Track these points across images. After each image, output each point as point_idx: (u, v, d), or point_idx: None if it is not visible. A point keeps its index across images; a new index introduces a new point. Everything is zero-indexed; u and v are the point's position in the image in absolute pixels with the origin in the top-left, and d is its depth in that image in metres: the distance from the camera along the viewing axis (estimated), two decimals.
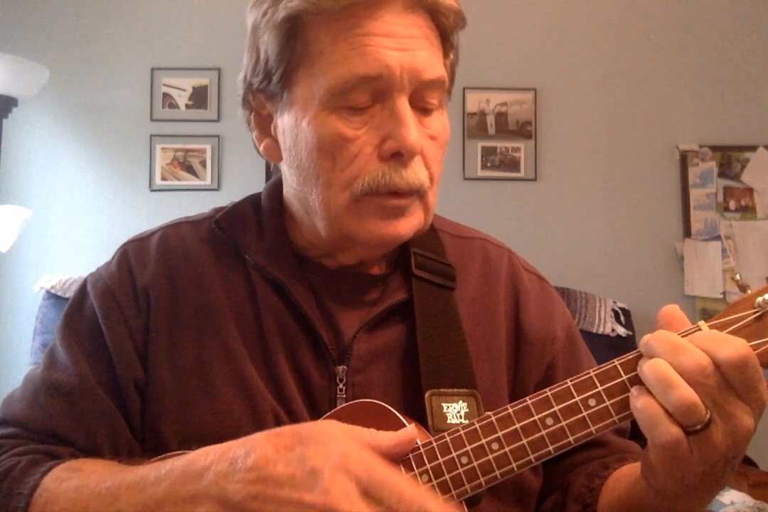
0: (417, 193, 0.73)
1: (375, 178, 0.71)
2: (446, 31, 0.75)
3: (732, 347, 0.55)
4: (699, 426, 0.55)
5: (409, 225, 0.74)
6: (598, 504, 0.74)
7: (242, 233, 0.81)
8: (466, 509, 0.64)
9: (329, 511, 0.53)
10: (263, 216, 0.83)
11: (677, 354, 0.56)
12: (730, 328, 0.60)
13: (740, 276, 0.66)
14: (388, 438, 0.61)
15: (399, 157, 0.71)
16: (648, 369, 0.57)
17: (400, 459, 0.63)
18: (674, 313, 0.62)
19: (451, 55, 0.78)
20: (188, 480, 0.58)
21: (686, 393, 0.55)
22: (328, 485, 0.54)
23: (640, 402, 0.57)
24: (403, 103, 0.70)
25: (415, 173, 0.72)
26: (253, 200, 0.86)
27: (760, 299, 0.60)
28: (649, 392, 0.57)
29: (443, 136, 0.75)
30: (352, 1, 0.68)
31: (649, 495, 0.64)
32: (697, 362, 0.55)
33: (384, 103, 0.71)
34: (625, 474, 0.73)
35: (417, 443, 0.64)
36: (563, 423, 0.61)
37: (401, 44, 0.69)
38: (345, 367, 0.75)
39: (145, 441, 0.75)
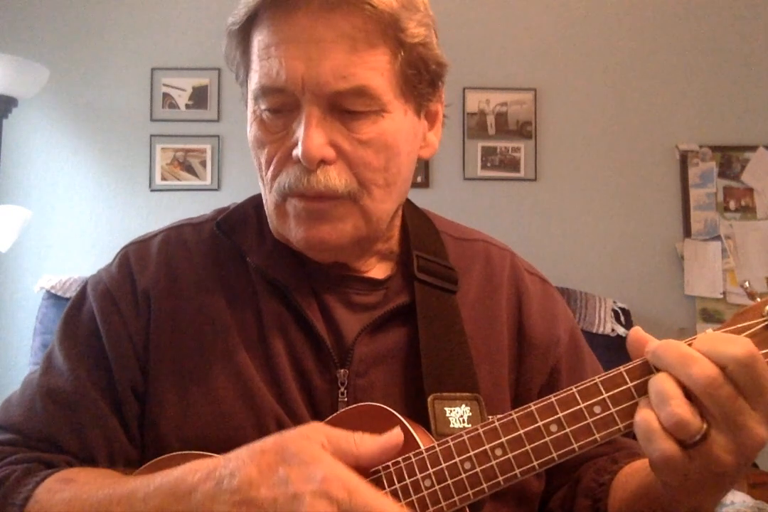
0: (344, 198, 0.72)
1: (285, 182, 0.72)
2: (385, 24, 0.69)
3: (737, 345, 0.54)
4: (696, 439, 0.54)
5: (335, 230, 0.73)
6: (608, 499, 0.74)
7: (243, 235, 0.81)
8: None
9: None
10: (264, 218, 0.82)
11: (686, 367, 0.55)
12: None
13: (749, 283, 0.64)
14: (373, 442, 0.61)
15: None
16: (651, 382, 0.57)
17: (388, 462, 0.63)
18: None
19: (402, 53, 0.71)
20: (176, 499, 0.59)
21: (676, 409, 0.54)
22: (309, 511, 0.54)
23: (639, 415, 0.57)
24: (308, 113, 0.69)
25: (321, 180, 0.70)
26: (255, 202, 0.85)
27: None
28: (650, 405, 0.57)
29: (379, 140, 0.71)
30: (272, 3, 0.69)
31: (661, 490, 0.63)
32: (706, 374, 0.54)
33: (297, 111, 0.71)
34: (637, 469, 0.72)
35: (420, 447, 0.64)
36: (567, 429, 0.60)
37: (308, 53, 0.68)
38: (346, 370, 0.75)
39: (145, 445, 0.75)
